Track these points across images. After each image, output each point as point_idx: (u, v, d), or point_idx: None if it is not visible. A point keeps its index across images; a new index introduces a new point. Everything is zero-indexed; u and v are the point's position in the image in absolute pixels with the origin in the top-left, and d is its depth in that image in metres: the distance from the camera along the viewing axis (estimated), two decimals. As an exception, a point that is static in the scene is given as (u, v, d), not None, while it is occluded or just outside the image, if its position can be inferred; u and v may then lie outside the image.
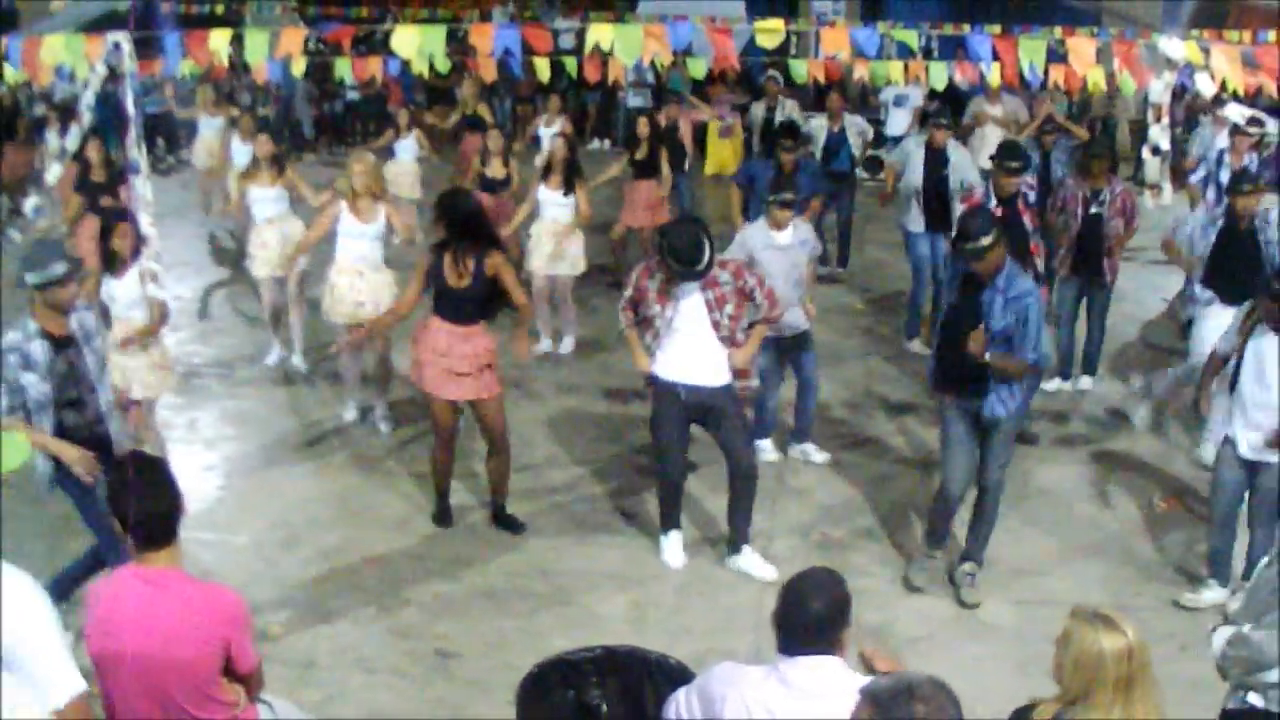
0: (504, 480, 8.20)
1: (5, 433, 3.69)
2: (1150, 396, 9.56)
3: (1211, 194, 11.38)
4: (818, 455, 9.23)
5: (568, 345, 11.61)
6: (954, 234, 7.17)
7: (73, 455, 6.17)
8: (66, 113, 16.11)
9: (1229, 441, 7.06)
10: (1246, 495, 7.13)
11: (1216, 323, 8.21)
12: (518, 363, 8.57)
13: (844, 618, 3.71)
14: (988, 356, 6.82)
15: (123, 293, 8.08)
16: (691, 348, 7.30)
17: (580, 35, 14.81)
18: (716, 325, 7.25)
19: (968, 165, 11.29)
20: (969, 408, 7.14)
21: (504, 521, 8.19)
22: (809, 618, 3.68)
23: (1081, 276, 10.20)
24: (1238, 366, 6.99)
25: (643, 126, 13.15)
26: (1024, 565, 7.76)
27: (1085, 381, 10.65)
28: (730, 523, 7.71)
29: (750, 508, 7.65)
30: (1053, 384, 10.50)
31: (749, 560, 7.64)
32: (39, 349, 6.13)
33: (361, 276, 9.33)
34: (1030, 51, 8.89)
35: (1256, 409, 6.87)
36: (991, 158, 9.95)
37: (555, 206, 11.20)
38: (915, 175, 11.26)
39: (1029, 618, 7.02)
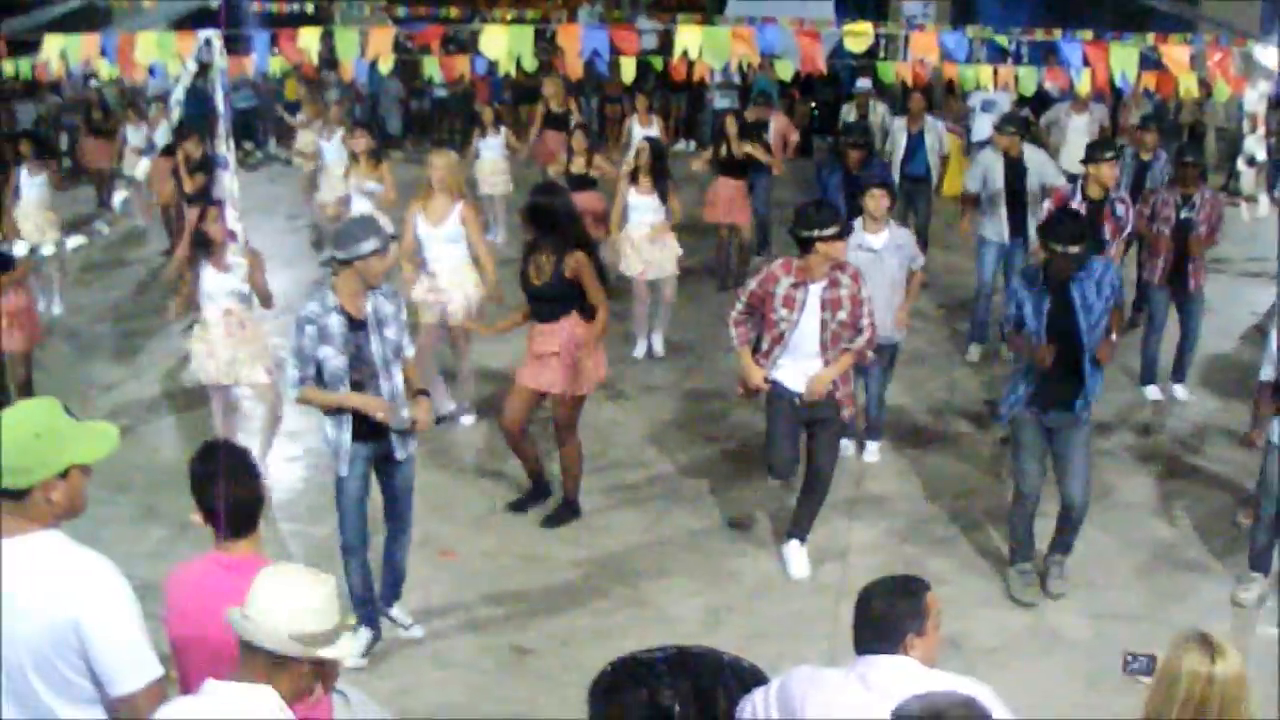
0: (569, 474, 8.25)
1: (94, 423, 3.73)
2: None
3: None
4: (873, 455, 9.30)
5: (659, 346, 11.61)
6: (1044, 233, 7.07)
7: (375, 404, 6.28)
8: (140, 109, 16.42)
9: None
10: None
11: None
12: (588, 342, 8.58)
13: (911, 622, 3.66)
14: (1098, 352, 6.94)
15: (220, 283, 8.24)
16: (802, 352, 7.26)
17: (666, 34, 14.82)
18: (824, 326, 7.18)
19: (1046, 165, 11.12)
20: (1046, 420, 7.14)
21: (564, 508, 8.29)
22: (870, 619, 3.69)
23: (1174, 283, 10.11)
24: None
25: (730, 124, 13.11)
26: (1099, 579, 7.65)
27: (1178, 390, 10.51)
28: (794, 514, 7.76)
29: (816, 508, 7.69)
30: (1149, 391, 10.42)
31: (794, 553, 7.69)
32: (336, 323, 6.19)
33: (435, 278, 9.35)
34: (1122, 58, 8.78)
35: None
36: (1084, 159, 9.84)
37: (645, 209, 11.18)
38: (995, 184, 11.09)
39: (1101, 632, 6.94)
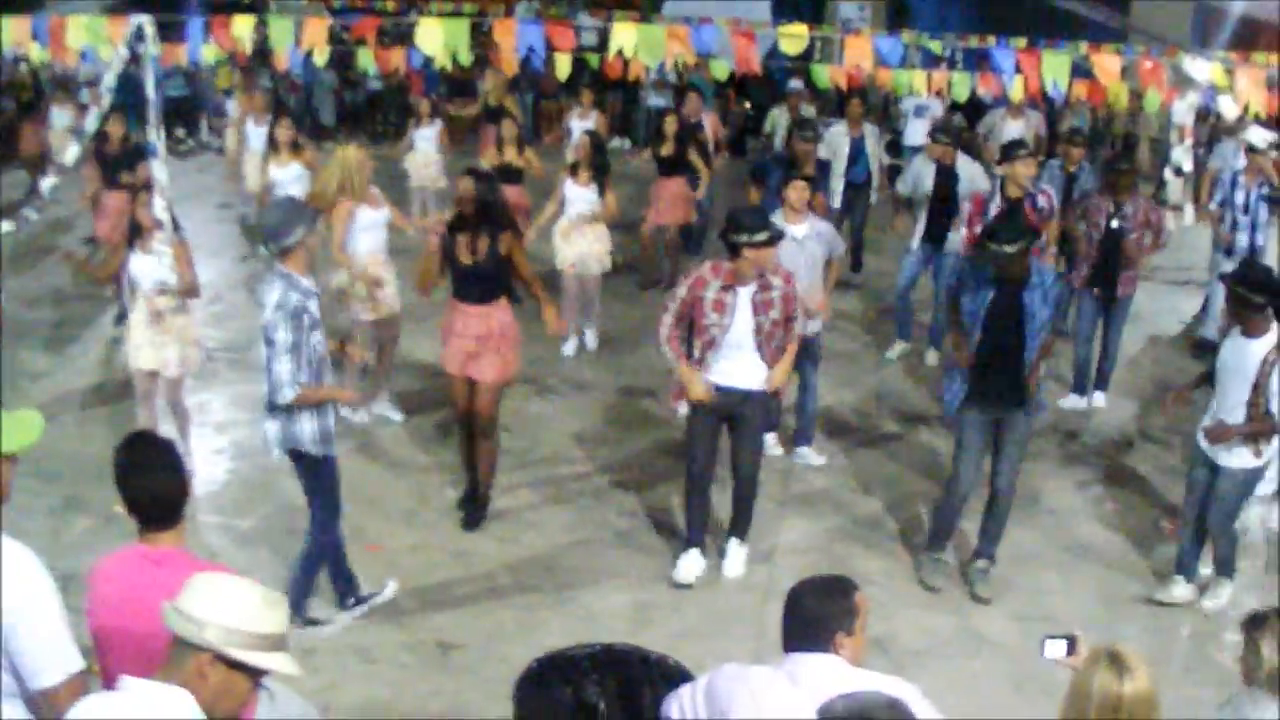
0: (486, 467, 8.19)
1: (19, 412, 3.68)
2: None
3: (1228, 218, 11.32)
4: (815, 459, 9.29)
5: (591, 341, 11.61)
6: (985, 238, 7.15)
7: (347, 395, 7.40)
8: (68, 92, 16.19)
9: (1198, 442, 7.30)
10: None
11: None
12: (550, 334, 8.53)
13: (840, 622, 3.69)
14: (1031, 355, 7.10)
15: (148, 269, 8.15)
16: (734, 352, 7.27)
17: (603, 32, 14.80)
18: (759, 329, 7.20)
19: (978, 174, 11.22)
20: (991, 416, 7.27)
21: (471, 505, 8.22)
22: (799, 616, 3.71)
23: (1099, 290, 10.21)
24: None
25: (669, 124, 13.12)
26: (1026, 581, 7.75)
27: (1098, 398, 10.63)
28: (731, 515, 7.78)
29: (747, 510, 7.71)
30: (1068, 400, 10.52)
31: (731, 551, 7.73)
32: (315, 307, 6.26)
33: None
34: (1054, 66, 8.88)
35: (1221, 407, 7.08)
36: (998, 160, 9.95)
37: (582, 203, 11.17)
38: (925, 189, 11.15)
39: (1029, 634, 7.00)
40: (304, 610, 6.76)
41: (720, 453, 7.63)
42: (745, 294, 7.16)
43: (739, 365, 7.28)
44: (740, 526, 7.73)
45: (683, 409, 7.79)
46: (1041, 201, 9.86)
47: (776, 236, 7.15)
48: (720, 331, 7.21)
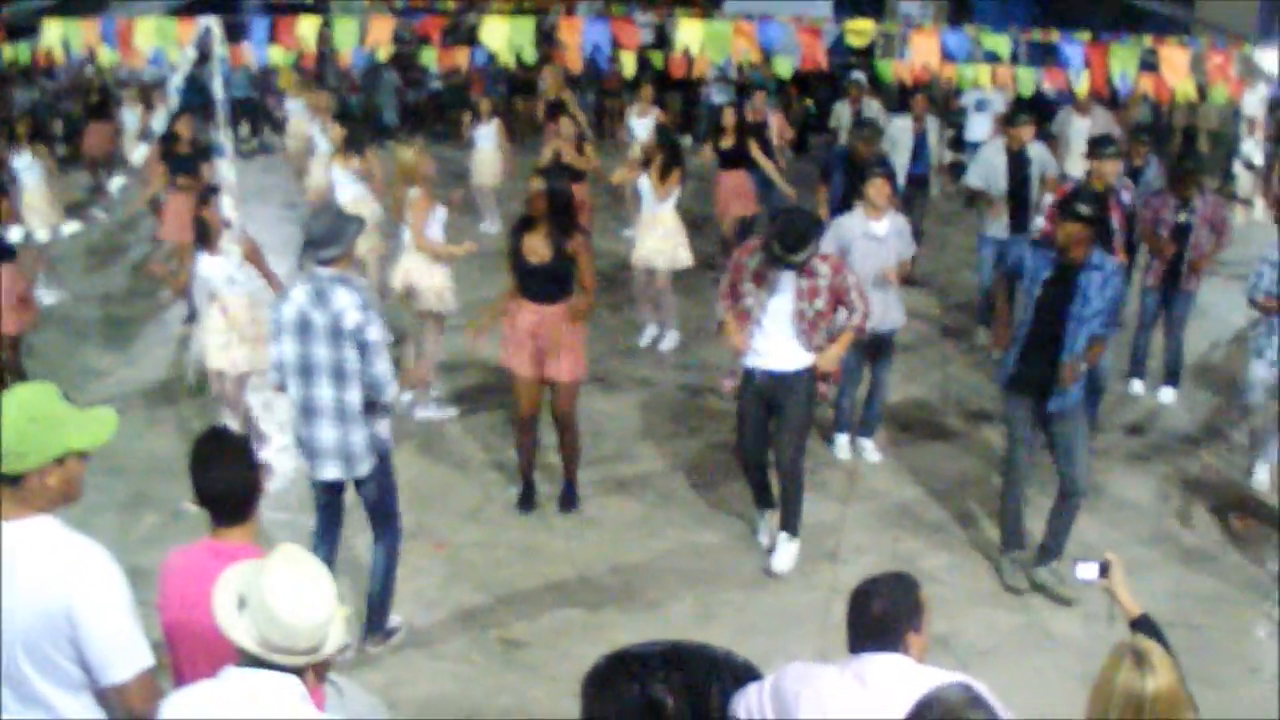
0: (572, 461, 8.32)
1: (93, 410, 3.71)
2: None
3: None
4: (874, 454, 9.27)
5: (671, 340, 11.56)
6: (1062, 206, 7.08)
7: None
8: (146, 93, 16.42)
9: None
10: None
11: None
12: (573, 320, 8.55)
13: (910, 620, 3.68)
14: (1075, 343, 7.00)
15: (218, 269, 8.25)
16: (774, 333, 7.26)
17: (661, 29, 14.77)
18: (800, 315, 7.18)
19: (1046, 157, 11.12)
20: (1033, 399, 7.22)
21: (565, 499, 8.33)
22: (869, 616, 3.68)
23: (1166, 285, 10.12)
24: None
25: (728, 116, 13.09)
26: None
27: (1167, 394, 10.52)
28: (780, 513, 7.79)
29: (795, 504, 7.68)
30: (1135, 386, 10.48)
31: (780, 546, 7.71)
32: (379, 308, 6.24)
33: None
34: (1122, 60, 8.77)
35: None
36: (1087, 154, 9.85)
37: (654, 200, 11.19)
38: (998, 180, 11.08)
39: (1094, 633, 6.93)
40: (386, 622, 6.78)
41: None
42: (789, 276, 7.13)
43: (778, 346, 7.28)
44: (789, 522, 7.70)
45: (729, 384, 7.76)
46: (1126, 197, 9.77)
47: (810, 257, 7.06)
48: (759, 307, 7.22)
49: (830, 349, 7.34)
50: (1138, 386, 10.57)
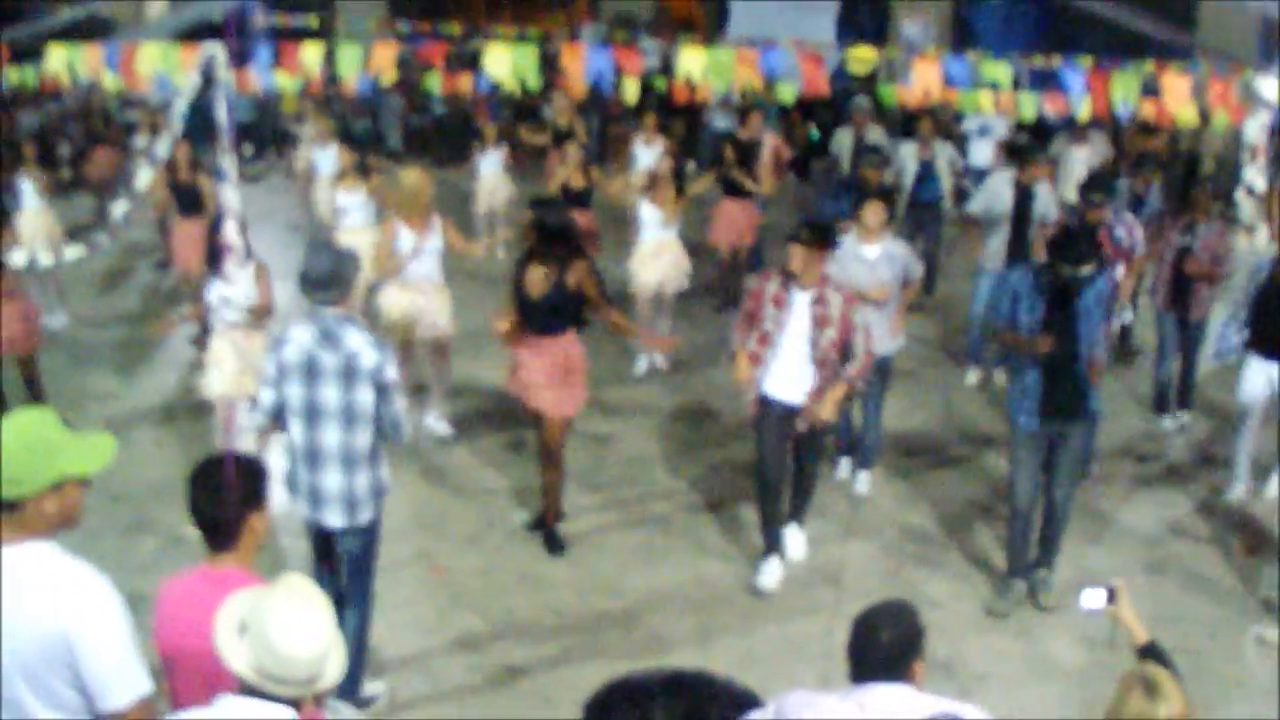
0: (554, 495, 8.19)
1: (92, 436, 3.71)
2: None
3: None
4: (864, 485, 9.16)
5: (663, 360, 11.53)
6: (1054, 256, 7.06)
7: None
8: (155, 118, 16.45)
9: None
10: None
11: (1249, 373, 8.69)
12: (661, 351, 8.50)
13: (915, 649, 3.68)
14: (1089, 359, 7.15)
15: (235, 293, 8.23)
16: (793, 364, 7.32)
17: (666, 56, 14.80)
18: (814, 343, 7.24)
19: (1051, 205, 11.09)
20: (1052, 429, 7.24)
21: (546, 537, 8.19)
22: (879, 649, 3.67)
23: (1177, 310, 10.18)
24: None
25: (728, 151, 13.08)
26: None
27: (1184, 417, 10.57)
28: (790, 503, 7.94)
29: (807, 497, 7.96)
30: (1162, 422, 10.54)
31: (792, 535, 7.93)
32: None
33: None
34: (1123, 86, 8.79)
35: None
36: (1079, 191, 9.84)
37: (660, 225, 11.19)
38: (1001, 210, 10.97)
39: (1096, 660, 6.92)
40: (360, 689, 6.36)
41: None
42: (804, 300, 7.23)
43: (793, 372, 7.34)
44: (799, 513, 7.92)
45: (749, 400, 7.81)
46: (1120, 233, 9.73)
47: (825, 243, 7.29)
48: (777, 329, 7.29)
49: (829, 399, 7.38)
50: (1169, 423, 10.54)
